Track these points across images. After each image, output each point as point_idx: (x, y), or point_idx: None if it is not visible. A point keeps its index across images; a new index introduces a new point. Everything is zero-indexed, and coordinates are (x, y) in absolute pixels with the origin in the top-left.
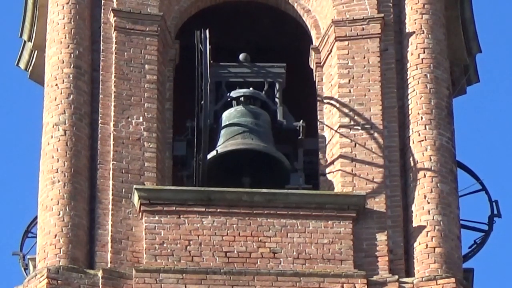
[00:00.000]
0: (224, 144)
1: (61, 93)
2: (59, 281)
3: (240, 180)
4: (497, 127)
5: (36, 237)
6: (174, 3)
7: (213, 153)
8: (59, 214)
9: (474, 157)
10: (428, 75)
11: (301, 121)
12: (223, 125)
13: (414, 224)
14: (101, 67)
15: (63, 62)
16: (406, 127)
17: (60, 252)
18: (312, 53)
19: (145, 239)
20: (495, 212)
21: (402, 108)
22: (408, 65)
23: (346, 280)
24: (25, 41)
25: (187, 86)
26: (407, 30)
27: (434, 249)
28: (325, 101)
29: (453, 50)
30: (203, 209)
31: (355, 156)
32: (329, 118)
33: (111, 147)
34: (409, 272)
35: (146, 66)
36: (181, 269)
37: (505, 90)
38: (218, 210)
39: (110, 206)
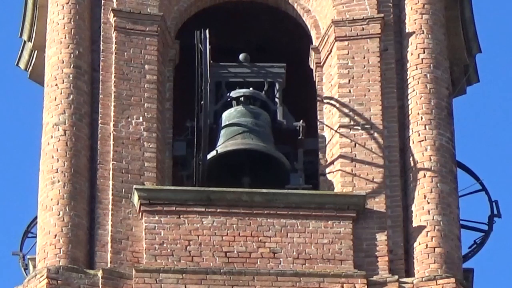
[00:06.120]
0: (224, 144)
1: (61, 93)
2: (59, 281)
3: (240, 180)
4: (497, 127)
5: (36, 237)
6: (174, 3)
7: (213, 153)
8: (59, 214)
9: (474, 157)
10: (428, 75)
11: (301, 121)
12: (223, 125)
13: (414, 224)
14: (101, 67)
15: (63, 62)
16: (406, 127)
17: (60, 252)
18: (312, 53)
19: (145, 239)
20: (495, 212)
21: (402, 108)
22: (408, 65)
23: (346, 280)
24: (25, 41)
25: (187, 86)
26: (407, 30)
27: (434, 249)
28: (325, 101)
29: (453, 50)
30: (203, 209)
31: (355, 156)
32: (329, 118)
33: (111, 147)
34: (409, 272)
35: (146, 66)
36: (181, 269)
37: (505, 90)
38: (218, 210)
39: (110, 206)
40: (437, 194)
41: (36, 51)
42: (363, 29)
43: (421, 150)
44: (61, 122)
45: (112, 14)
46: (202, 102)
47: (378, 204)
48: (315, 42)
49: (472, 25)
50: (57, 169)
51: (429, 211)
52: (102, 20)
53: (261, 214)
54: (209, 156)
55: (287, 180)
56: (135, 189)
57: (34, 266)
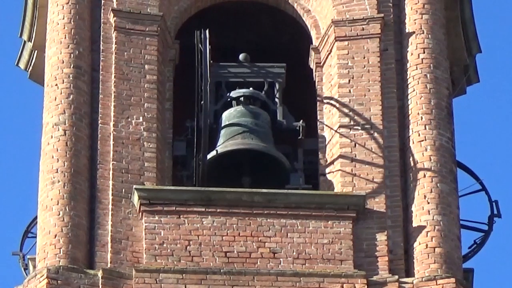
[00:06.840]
0: (224, 144)
1: (61, 93)
2: (59, 281)
3: (240, 180)
4: (497, 127)
5: (36, 237)
6: (174, 3)
7: (213, 153)
8: (59, 214)
9: (474, 157)
10: (428, 75)
11: (301, 121)
12: (223, 125)
13: (414, 224)
14: (101, 67)
15: (63, 62)
16: (406, 127)
17: (60, 252)
18: (312, 53)
19: (145, 239)
20: (495, 212)
21: (402, 108)
22: (408, 65)
23: (346, 280)
24: (25, 41)
25: (187, 86)
26: (407, 30)
27: (434, 249)
28: (325, 101)
29: (453, 50)
30: (203, 209)
31: (355, 156)
32: (329, 118)
33: (111, 147)
34: (409, 272)
35: (146, 66)
36: (181, 269)
37: (505, 90)
38: (218, 210)
39: (110, 206)
40: (437, 194)
41: (36, 51)
42: (363, 29)
43: (421, 150)
44: (61, 122)
45: (112, 14)
46: (202, 102)
47: (378, 204)
48: (315, 42)
49: (472, 25)
50: (57, 169)
51: (429, 211)
52: (102, 20)
53: (261, 214)
54: (209, 156)
55: (287, 180)
56: (135, 189)
57: (34, 266)
